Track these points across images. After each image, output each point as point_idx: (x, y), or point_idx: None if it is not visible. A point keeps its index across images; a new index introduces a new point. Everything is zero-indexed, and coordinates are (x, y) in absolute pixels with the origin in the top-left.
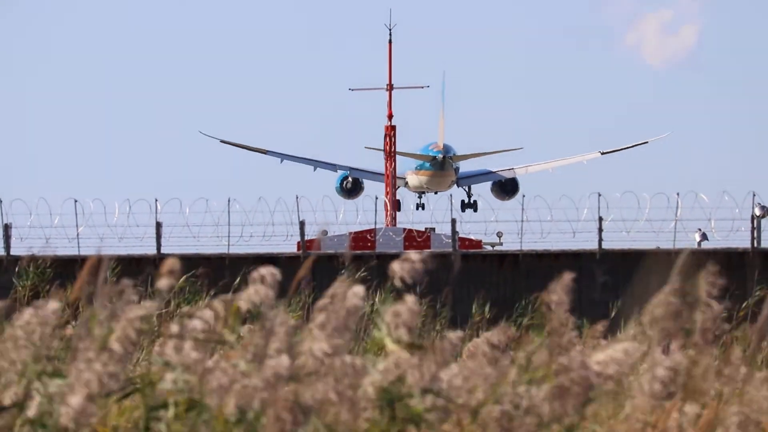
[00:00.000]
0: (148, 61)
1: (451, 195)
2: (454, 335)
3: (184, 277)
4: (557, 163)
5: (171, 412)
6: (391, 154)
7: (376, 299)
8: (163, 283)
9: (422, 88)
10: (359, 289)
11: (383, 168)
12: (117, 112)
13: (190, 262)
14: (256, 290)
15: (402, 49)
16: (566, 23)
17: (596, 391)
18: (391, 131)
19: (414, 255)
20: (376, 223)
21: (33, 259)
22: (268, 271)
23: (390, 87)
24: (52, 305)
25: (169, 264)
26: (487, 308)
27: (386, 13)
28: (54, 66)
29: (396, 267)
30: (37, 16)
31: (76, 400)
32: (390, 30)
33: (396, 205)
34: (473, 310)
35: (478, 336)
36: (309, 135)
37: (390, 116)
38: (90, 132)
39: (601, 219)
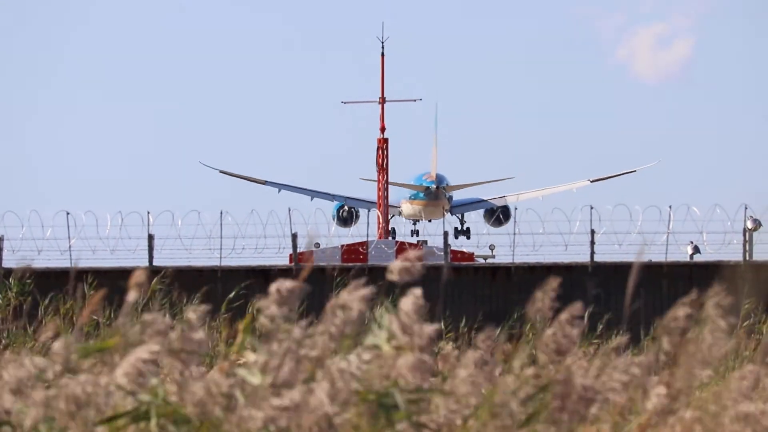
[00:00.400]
0: (142, 76)
1: (444, 207)
2: (430, 328)
3: (154, 280)
4: (548, 191)
5: (154, 422)
6: (383, 167)
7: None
8: (132, 295)
9: (415, 101)
10: (361, 292)
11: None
12: (110, 125)
13: (182, 274)
14: (272, 305)
15: (394, 63)
16: (559, 37)
17: (596, 406)
18: (383, 144)
19: (413, 254)
20: (368, 235)
21: (23, 271)
22: (283, 286)
23: (382, 100)
24: (63, 342)
25: (138, 276)
26: (462, 322)
27: (379, 26)
28: (49, 79)
29: (394, 266)
30: (36, 27)
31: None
32: (383, 43)
33: (390, 233)
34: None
35: (470, 346)
36: (302, 149)
37: (383, 129)
38: (83, 144)
39: (593, 232)
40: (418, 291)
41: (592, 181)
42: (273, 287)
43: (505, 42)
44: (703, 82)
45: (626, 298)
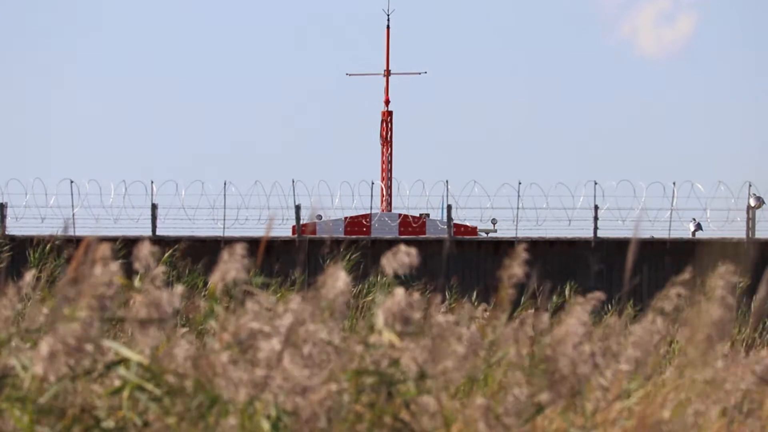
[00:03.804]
0: (145, 45)
1: (447, 181)
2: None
3: (166, 255)
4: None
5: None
6: (387, 140)
7: (369, 284)
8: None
9: (420, 74)
10: (343, 275)
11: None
12: (114, 94)
13: (184, 244)
14: (230, 268)
15: (400, 35)
16: (562, 13)
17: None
18: (388, 117)
19: (405, 247)
20: (371, 208)
21: (50, 239)
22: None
23: (387, 73)
24: (28, 276)
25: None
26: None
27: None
28: (53, 47)
29: (388, 260)
30: (35, 11)
31: (43, 354)
32: (388, 15)
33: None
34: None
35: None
36: (306, 119)
37: (387, 102)
38: (87, 112)
39: (596, 207)
40: (401, 291)
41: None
42: (225, 252)
43: (507, 17)
44: (707, 58)
45: (626, 273)
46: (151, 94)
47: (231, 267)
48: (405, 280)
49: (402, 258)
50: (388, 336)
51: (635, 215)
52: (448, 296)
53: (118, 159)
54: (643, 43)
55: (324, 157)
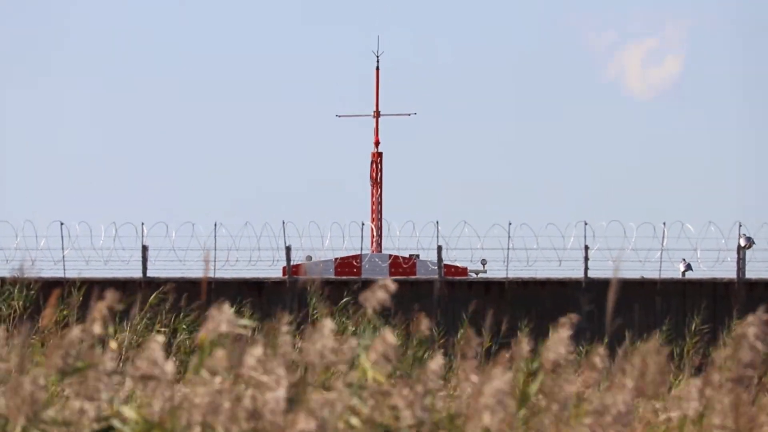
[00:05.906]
0: (135, 83)
1: (437, 222)
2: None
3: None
4: None
5: None
6: (377, 181)
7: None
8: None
9: (409, 115)
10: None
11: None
12: (104, 135)
13: (176, 285)
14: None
15: (389, 77)
16: (551, 54)
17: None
18: (377, 158)
19: (389, 282)
20: (362, 248)
21: (22, 280)
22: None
23: (377, 114)
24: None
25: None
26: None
27: (374, 40)
28: (42, 86)
29: (369, 295)
30: (26, 28)
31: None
32: (378, 57)
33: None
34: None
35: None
36: (297, 161)
37: (377, 143)
38: (75, 154)
39: (587, 248)
40: (389, 331)
41: None
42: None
43: (496, 58)
44: (695, 98)
45: (607, 314)
46: (141, 135)
47: (221, 321)
48: (385, 317)
49: (379, 294)
50: (373, 376)
51: (620, 255)
52: (435, 336)
53: (108, 201)
54: (632, 83)
55: (314, 198)
